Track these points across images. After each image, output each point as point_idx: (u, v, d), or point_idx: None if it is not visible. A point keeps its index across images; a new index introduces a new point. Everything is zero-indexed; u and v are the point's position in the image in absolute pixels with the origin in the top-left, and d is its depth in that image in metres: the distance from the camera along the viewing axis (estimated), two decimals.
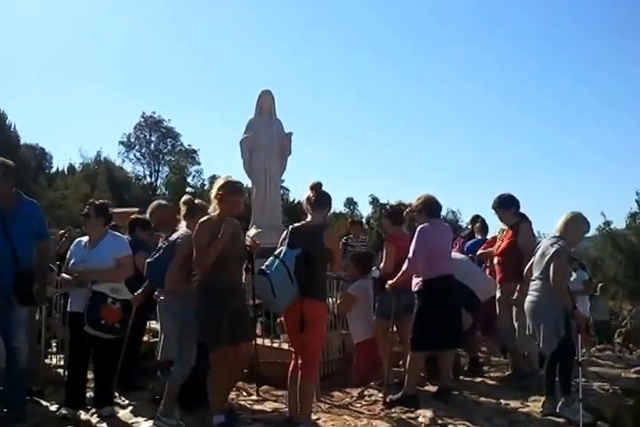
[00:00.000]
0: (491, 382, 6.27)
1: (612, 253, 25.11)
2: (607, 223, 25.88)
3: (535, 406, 5.33)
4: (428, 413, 4.95)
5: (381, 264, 6.14)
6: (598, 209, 27.63)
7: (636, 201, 25.42)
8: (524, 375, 6.01)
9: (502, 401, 5.49)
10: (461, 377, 6.34)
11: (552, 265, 5.01)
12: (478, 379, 6.34)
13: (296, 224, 4.82)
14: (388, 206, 6.96)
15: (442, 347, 5.50)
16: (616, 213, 27.90)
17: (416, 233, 5.48)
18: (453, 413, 5.03)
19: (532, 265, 5.39)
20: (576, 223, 5.27)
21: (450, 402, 5.36)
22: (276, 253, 4.64)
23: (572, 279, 8.67)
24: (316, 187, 4.79)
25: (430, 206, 5.59)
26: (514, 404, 5.41)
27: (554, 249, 5.03)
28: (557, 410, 5.04)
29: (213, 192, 4.69)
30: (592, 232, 27.18)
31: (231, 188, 4.63)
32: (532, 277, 5.28)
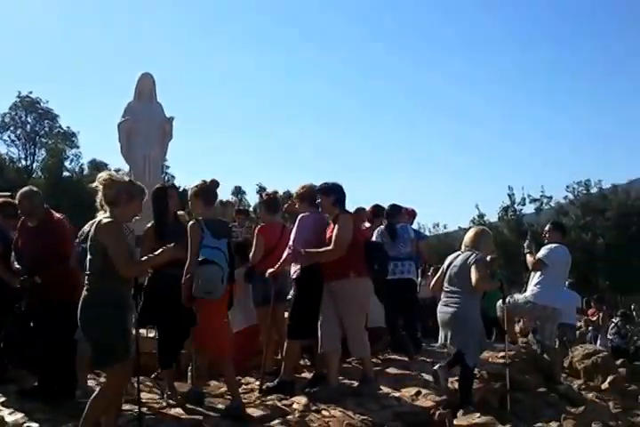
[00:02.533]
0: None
1: None
2: (481, 216, 27.40)
3: (407, 391, 5.52)
4: (303, 399, 5.01)
5: (251, 253, 6.14)
6: (473, 202, 28.86)
7: (508, 195, 26.95)
8: None
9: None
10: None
11: (474, 271, 5.33)
12: (353, 365, 6.46)
13: (202, 217, 4.87)
14: (264, 195, 6.98)
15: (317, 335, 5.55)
16: (490, 207, 29.65)
17: (296, 221, 5.52)
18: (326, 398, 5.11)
19: (439, 277, 5.74)
20: (485, 237, 5.77)
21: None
22: (209, 243, 4.69)
23: None
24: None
25: (313, 196, 5.61)
26: (386, 389, 5.56)
27: (474, 259, 5.40)
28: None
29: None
30: (467, 224, 28.61)
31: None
32: (450, 290, 5.54)
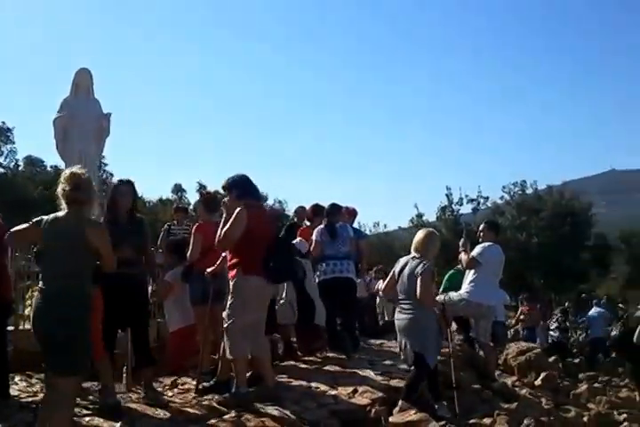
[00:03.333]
0: (304, 366, 6.43)
1: None
2: (420, 215, 27.84)
3: (344, 389, 5.54)
4: None
5: (189, 252, 6.06)
6: (413, 202, 29.30)
7: (446, 195, 27.39)
8: None
9: (313, 384, 5.64)
10: (276, 362, 6.44)
11: (419, 283, 5.42)
12: (292, 363, 6.47)
13: None
14: (204, 193, 6.91)
15: None
16: (428, 207, 30.09)
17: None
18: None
19: (390, 281, 5.83)
20: (434, 240, 5.85)
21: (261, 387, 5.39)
22: None
23: None
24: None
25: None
26: (324, 387, 5.57)
27: (422, 269, 5.48)
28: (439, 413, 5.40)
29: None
30: (407, 224, 29.04)
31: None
32: (404, 297, 5.61)
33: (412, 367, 5.61)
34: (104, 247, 3.89)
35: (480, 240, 7.30)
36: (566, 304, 19.77)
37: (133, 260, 4.86)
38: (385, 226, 36.89)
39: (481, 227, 7.62)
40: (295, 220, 8.91)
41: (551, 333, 12.92)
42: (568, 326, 13.75)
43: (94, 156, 9.21)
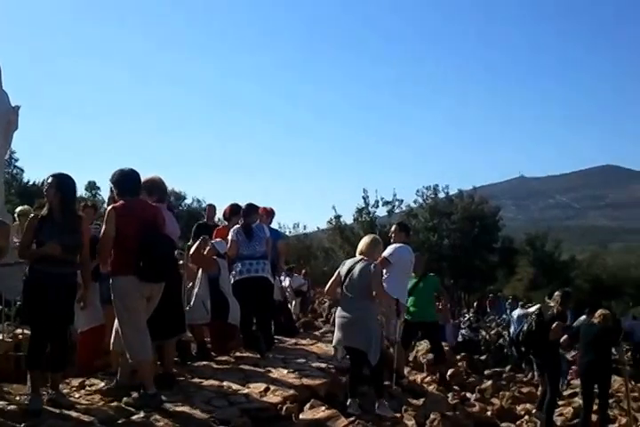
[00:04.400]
0: (216, 365, 6.42)
1: (341, 244, 27.18)
2: (337, 217, 28.10)
3: (256, 387, 5.57)
4: None
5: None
6: (331, 204, 29.60)
7: (363, 198, 27.77)
8: None
9: (225, 384, 5.64)
10: (189, 362, 6.40)
11: (375, 283, 5.74)
12: (204, 363, 6.45)
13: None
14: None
15: (165, 337, 5.45)
16: (346, 209, 30.45)
17: None
18: (174, 397, 5.04)
19: (334, 282, 6.04)
20: (379, 244, 6.15)
21: (173, 388, 5.35)
22: None
23: None
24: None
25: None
26: (236, 386, 5.58)
27: (373, 271, 5.76)
28: (377, 411, 5.63)
29: None
30: (326, 225, 29.32)
31: None
32: (350, 296, 5.80)
33: (339, 363, 5.96)
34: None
35: (391, 241, 7.53)
36: (474, 304, 20.47)
37: (65, 259, 4.65)
38: (305, 227, 37.12)
39: (392, 228, 7.86)
40: (205, 219, 8.79)
41: (462, 331, 13.31)
42: (479, 324, 14.20)
43: (1, 150, 8.83)
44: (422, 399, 6.58)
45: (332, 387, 6.12)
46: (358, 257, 6.01)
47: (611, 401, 9.10)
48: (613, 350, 8.63)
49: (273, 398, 5.37)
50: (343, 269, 5.99)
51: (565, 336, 7.91)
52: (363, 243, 6.13)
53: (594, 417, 7.81)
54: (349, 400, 5.65)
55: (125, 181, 5.02)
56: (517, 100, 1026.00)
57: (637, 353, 17.45)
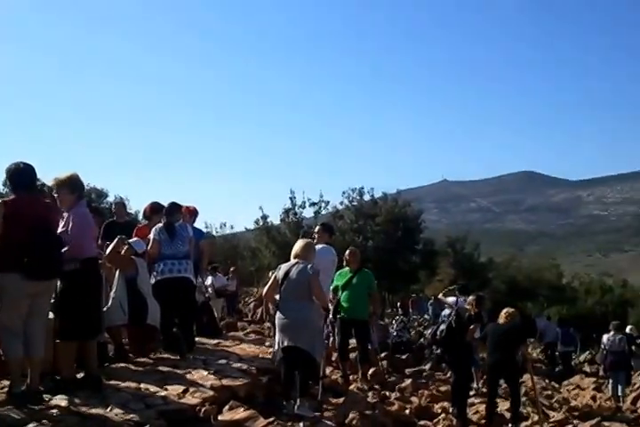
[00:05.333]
0: (134, 367, 6.28)
1: (267, 244, 27.13)
2: (264, 217, 28.04)
3: (174, 389, 5.49)
4: (63, 402, 4.75)
5: None
6: (258, 204, 29.49)
7: (290, 198, 27.81)
8: None
9: (142, 386, 5.53)
10: (107, 364, 6.24)
11: (313, 284, 5.86)
12: (121, 365, 6.30)
13: None
14: None
15: (84, 338, 5.30)
16: (273, 209, 30.37)
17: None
18: (90, 400, 4.90)
19: (272, 285, 6.11)
20: (312, 248, 6.34)
21: (100, 390, 5.21)
22: None
23: None
24: None
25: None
26: (153, 388, 5.48)
27: (311, 272, 5.90)
28: (296, 410, 5.61)
29: None
30: (252, 225, 29.19)
31: None
32: (291, 298, 5.88)
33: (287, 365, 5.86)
34: None
35: (315, 242, 7.57)
36: (398, 304, 20.83)
37: None
38: (232, 227, 36.82)
39: (316, 229, 7.93)
40: (115, 217, 8.50)
41: (391, 331, 13.48)
42: (408, 324, 14.44)
43: None
44: (342, 399, 6.63)
45: (253, 388, 6.11)
46: (294, 260, 6.11)
47: (524, 399, 9.41)
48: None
49: (191, 399, 5.32)
50: (280, 273, 6.07)
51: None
52: (297, 246, 6.24)
53: (507, 415, 8.10)
54: (299, 400, 5.69)
55: (20, 175, 4.85)
56: (441, 105, 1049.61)
57: (550, 352, 18.14)
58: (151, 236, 7.01)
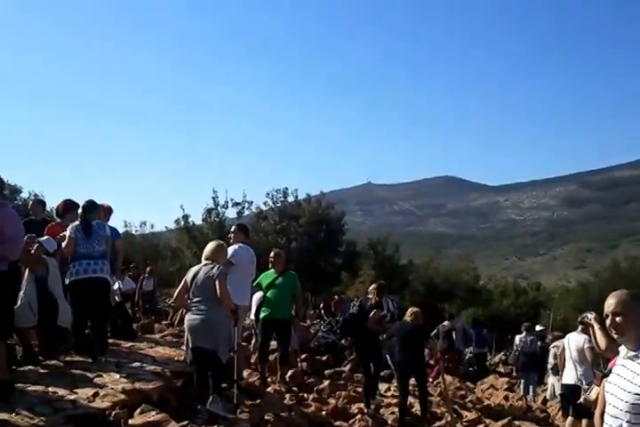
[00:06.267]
0: (43, 370, 6.07)
1: (188, 244, 26.68)
2: (185, 217, 27.52)
3: (84, 393, 5.34)
4: None
5: None
6: (179, 202, 28.82)
7: (213, 198, 27.43)
8: None
9: (51, 389, 5.36)
10: (14, 367, 6.01)
11: (218, 284, 5.82)
12: (29, 367, 6.08)
13: None
14: None
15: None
16: (195, 209, 29.89)
17: None
18: None
19: (182, 288, 6.07)
20: (223, 249, 6.36)
21: (11, 394, 5.01)
22: None
23: None
24: None
25: None
26: (62, 392, 5.31)
27: (217, 272, 5.88)
28: (208, 406, 5.58)
29: None
30: (173, 225, 28.64)
31: None
32: (198, 300, 5.90)
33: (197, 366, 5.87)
34: None
35: (231, 242, 7.54)
36: (321, 305, 20.88)
37: None
38: (152, 226, 36.04)
39: (232, 229, 7.91)
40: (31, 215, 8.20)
41: (323, 334, 13.52)
42: (335, 326, 14.46)
43: None
44: (258, 401, 6.61)
45: (166, 391, 6.02)
46: (203, 262, 6.13)
47: (438, 399, 9.62)
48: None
49: (102, 403, 5.20)
50: (189, 275, 6.10)
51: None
52: (208, 248, 6.26)
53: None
54: (212, 397, 5.66)
55: None
56: (366, 108, 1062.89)
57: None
58: (67, 233, 6.80)
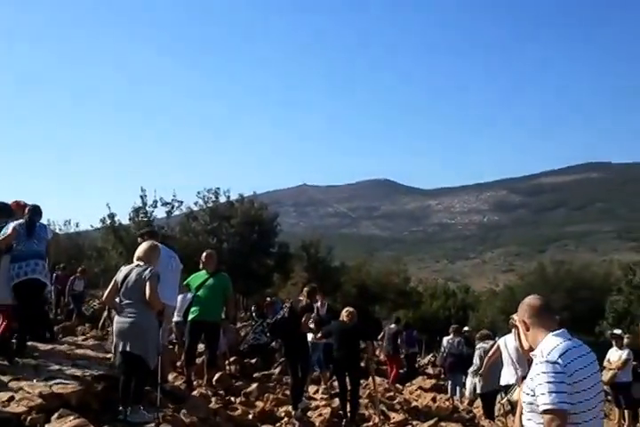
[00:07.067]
0: None
1: (114, 244, 25.99)
2: (112, 216, 26.74)
3: None
4: None
5: None
6: (105, 201, 27.87)
7: (140, 197, 26.76)
8: None
9: None
10: None
11: (148, 286, 5.69)
12: None
13: None
14: None
15: None
16: (123, 207, 29.17)
17: None
18: None
19: (112, 289, 5.92)
20: (156, 251, 6.23)
21: None
22: None
23: None
24: None
25: None
26: None
27: (149, 274, 5.77)
28: (127, 417, 5.47)
29: None
30: (99, 224, 27.87)
31: None
32: (127, 302, 5.76)
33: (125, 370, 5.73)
34: None
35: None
36: (252, 308, 20.77)
37: None
38: (77, 225, 35.06)
39: (141, 232, 7.96)
40: None
41: (255, 335, 13.41)
42: (267, 328, 14.37)
43: None
44: (182, 404, 6.49)
45: (86, 395, 5.82)
46: (135, 263, 6.02)
47: (366, 401, 9.67)
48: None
49: (17, 408, 5.03)
50: (120, 276, 5.96)
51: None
52: (141, 249, 6.15)
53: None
54: (132, 407, 5.56)
55: None
56: (301, 112, 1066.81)
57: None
58: (10, 226, 6.76)
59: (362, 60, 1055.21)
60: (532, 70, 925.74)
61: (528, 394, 2.95)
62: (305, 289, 8.95)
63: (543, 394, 2.83)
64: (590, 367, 2.97)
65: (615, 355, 11.15)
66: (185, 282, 8.39)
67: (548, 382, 2.83)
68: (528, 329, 3.17)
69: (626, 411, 11.17)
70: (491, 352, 8.82)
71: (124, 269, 6.03)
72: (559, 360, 2.89)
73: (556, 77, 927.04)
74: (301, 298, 8.87)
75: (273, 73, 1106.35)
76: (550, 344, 3.00)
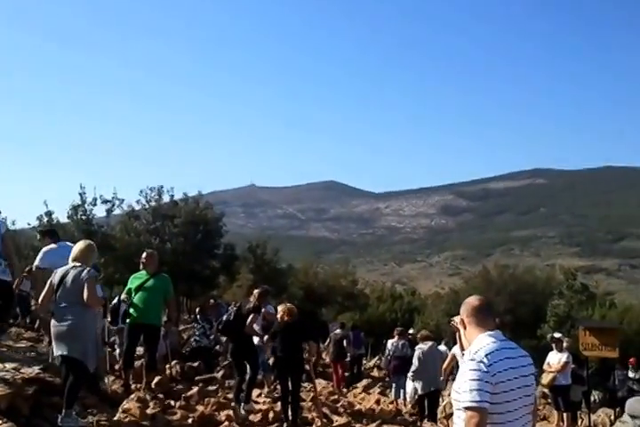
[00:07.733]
0: None
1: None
2: (49, 213, 25.99)
3: None
4: None
5: None
6: (42, 198, 27.25)
7: (79, 194, 26.06)
8: None
9: None
10: None
11: (86, 288, 5.55)
12: None
13: None
14: None
15: None
16: (61, 205, 28.43)
17: None
18: None
19: (49, 291, 5.75)
20: (93, 250, 6.09)
21: None
22: None
23: None
24: None
25: None
26: None
27: (87, 275, 5.63)
28: (60, 423, 5.30)
29: None
30: (35, 221, 27.03)
31: None
32: (65, 305, 5.61)
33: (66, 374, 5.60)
34: None
35: (40, 245, 7.43)
36: (197, 310, 20.48)
37: None
38: (13, 223, 33.98)
39: (40, 230, 7.94)
40: None
41: (197, 338, 13.19)
42: (209, 331, 14.16)
43: None
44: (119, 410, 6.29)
45: (16, 399, 5.59)
46: (71, 264, 5.86)
47: (310, 404, 9.58)
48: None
49: None
50: (55, 277, 5.80)
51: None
52: (77, 249, 6.00)
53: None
54: (65, 411, 5.39)
55: None
56: (253, 111, 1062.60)
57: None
58: None
59: (311, 58, 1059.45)
60: (477, 75, 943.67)
61: (457, 392, 2.99)
62: (256, 291, 8.84)
63: (465, 391, 2.89)
64: (519, 370, 3.02)
65: (555, 358, 11.36)
66: (126, 289, 8.19)
67: (472, 380, 2.89)
68: (466, 328, 3.23)
69: (565, 414, 11.36)
70: (446, 363, 8.91)
71: (59, 271, 5.85)
72: (484, 360, 2.94)
73: (502, 83, 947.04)
74: (251, 300, 8.76)
75: (224, 70, 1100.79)
76: (480, 343, 3.06)
